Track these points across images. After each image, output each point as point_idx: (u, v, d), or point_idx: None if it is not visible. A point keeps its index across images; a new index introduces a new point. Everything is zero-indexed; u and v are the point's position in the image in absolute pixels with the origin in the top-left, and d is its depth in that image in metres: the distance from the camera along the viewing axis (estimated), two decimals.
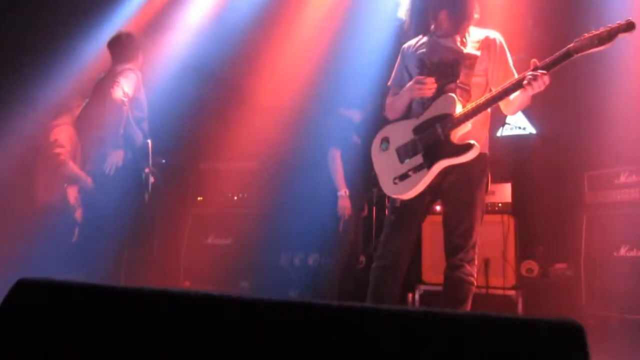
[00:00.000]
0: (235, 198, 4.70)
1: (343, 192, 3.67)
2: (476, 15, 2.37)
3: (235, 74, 4.83)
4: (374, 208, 4.07)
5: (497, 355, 0.78)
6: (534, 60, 2.15)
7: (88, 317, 0.95)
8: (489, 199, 3.78)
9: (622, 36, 1.94)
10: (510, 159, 4.01)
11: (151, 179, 3.25)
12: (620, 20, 1.96)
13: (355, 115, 3.76)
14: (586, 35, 2.02)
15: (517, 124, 4.49)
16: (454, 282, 2.28)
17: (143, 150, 3.24)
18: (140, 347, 0.90)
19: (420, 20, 2.38)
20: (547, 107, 4.31)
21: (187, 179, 4.86)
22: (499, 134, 4.46)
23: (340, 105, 3.87)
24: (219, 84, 4.87)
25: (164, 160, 3.55)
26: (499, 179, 3.81)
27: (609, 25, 1.97)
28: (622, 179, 3.41)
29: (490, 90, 2.32)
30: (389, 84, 2.59)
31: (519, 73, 2.28)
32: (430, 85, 2.29)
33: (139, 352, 0.90)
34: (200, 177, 4.86)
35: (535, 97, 4.14)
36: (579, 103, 3.91)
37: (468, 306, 2.29)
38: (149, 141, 3.27)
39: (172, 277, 4.50)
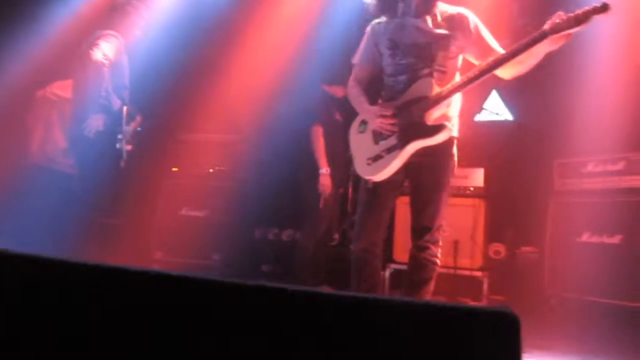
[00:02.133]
0: (212, 170, 4.67)
1: (324, 169, 3.68)
2: None
3: (216, 46, 4.75)
4: (350, 186, 4.12)
5: (431, 343, 0.80)
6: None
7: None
8: (463, 183, 3.87)
9: (597, 17, 1.98)
10: (485, 144, 4.09)
11: (127, 147, 3.23)
12: (596, 3, 1.99)
13: (338, 91, 3.75)
14: (562, 16, 2.04)
15: (494, 110, 4.55)
16: (419, 262, 2.36)
17: (119, 117, 3.20)
18: (78, 320, 0.89)
19: (387, 1, 2.37)
20: (523, 94, 4.39)
21: (163, 149, 4.80)
22: (476, 118, 4.53)
23: (323, 81, 3.85)
24: (200, 55, 4.78)
25: (139, 129, 3.50)
26: (473, 164, 3.89)
27: (585, 7, 2.00)
28: (590, 168, 3.52)
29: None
30: (354, 61, 2.56)
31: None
32: (390, 126, 2.31)
33: (74, 325, 0.89)
34: (177, 148, 4.80)
35: (513, 83, 4.20)
36: (555, 91, 3.99)
37: (432, 286, 2.37)
38: (125, 108, 3.23)
39: (143, 246, 4.48)
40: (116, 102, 3.20)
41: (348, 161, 3.76)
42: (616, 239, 3.25)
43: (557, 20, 2.05)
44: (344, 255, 2.70)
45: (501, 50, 2.27)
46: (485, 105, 4.57)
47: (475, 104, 4.53)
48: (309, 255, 3.77)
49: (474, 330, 0.79)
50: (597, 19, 1.99)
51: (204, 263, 4.35)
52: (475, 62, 2.36)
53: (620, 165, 3.36)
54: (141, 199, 4.61)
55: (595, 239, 3.35)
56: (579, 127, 3.67)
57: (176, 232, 4.42)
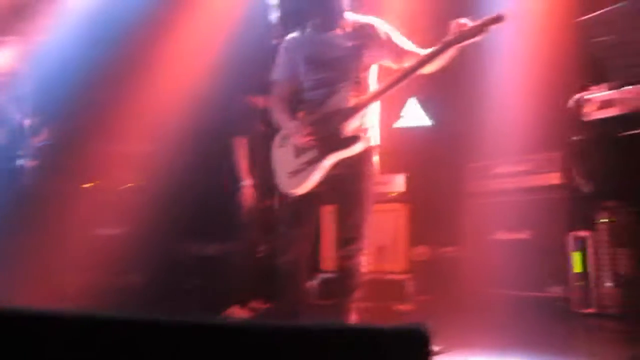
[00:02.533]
0: (130, 185, 4.43)
1: (247, 182, 3.64)
2: (348, 6, 2.43)
3: (133, 53, 4.52)
4: (277, 198, 4.08)
5: None
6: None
7: None
8: (385, 189, 3.97)
9: (494, 27, 2.11)
10: (405, 150, 4.22)
11: (30, 163, 2.98)
12: (494, 13, 2.12)
13: (260, 102, 3.72)
14: (464, 27, 2.16)
15: (413, 116, 4.73)
16: (346, 272, 2.39)
17: (19, 131, 2.95)
18: None
19: (293, 15, 2.40)
20: (439, 101, 4.61)
21: (74, 163, 4.49)
22: (395, 125, 4.67)
23: (246, 92, 3.81)
24: (116, 62, 4.53)
25: (45, 142, 3.25)
26: (395, 170, 4.01)
27: (483, 17, 2.13)
28: (499, 169, 3.75)
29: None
30: (273, 78, 2.59)
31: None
32: (308, 139, 2.35)
33: None
34: (91, 162, 4.51)
35: (429, 90, 4.37)
36: (468, 97, 4.20)
37: (359, 293, 2.41)
38: (27, 121, 2.98)
39: (56, 269, 4.16)
40: (14, 115, 2.94)
41: (269, 172, 3.76)
42: (526, 234, 3.48)
43: (459, 30, 2.16)
44: (272, 268, 2.67)
45: (417, 50, 2.36)
46: (403, 112, 4.74)
47: (394, 112, 4.69)
48: (236, 269, 3.70)
49: (386, 350, 0.79)
50: (500, 27, 2.12)
51: (124, 283, 4.12)
52: (394, 66, 2.42)
53: (525, 166, 3.61)
54: (52, 217, 4.28)
55: (507, 236, 3.57)
56: (489, 131, 3.90)
57: (92, 253, 4.14)
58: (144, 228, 4.13)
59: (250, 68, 3.80)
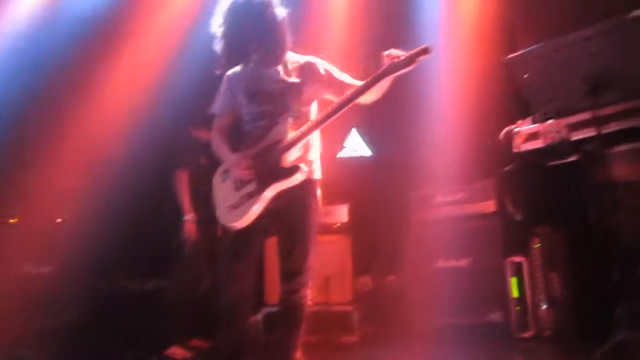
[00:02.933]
0: (60, 220, 4.20)
1: (190, 216, 3.58)
2: (290, 45, 2.48)
3: (67, 82, 4.36)
4: (220, 230, 4.00)
5: None
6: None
7: None
8: (329, 220, 3.99)
9: (421, 59, 2.18)
10: (347, 180, 4.27)
11: None
12: (421, 45, 2.19)
13: (203, 135, 3.68)
14: (395, 59, 2.23)
15: (355, 147, 4.83)
16: (290, 306, 2.36)
17: None
18: None
19: (237, 49, 2.42)
20: (382, 131, 4.74)
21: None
22: (338, 155, 4.75)
23: (189, 124, 3.76)
24: (49, 89, 4.34)
25: None
26: (337, 200, 4.05)
27: (412, 50, 2.21)
28: (439, 198, 3.86)
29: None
30: (213, 111, 2.59)
31: None
32: (248, 172, 2.35)
33: None
34: (17, 195, 4.24)
35: (371, 121, 4.47)
36: (407, 128, 4.35)
37: (303, 327, 2.37)
38: None
39: None
40: None
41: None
42: (464, 262, 3.58)
43: (390, 62, 2.24)
44: (214, 303, 2.59)
45: (356, 83, 2.42)
46: (346, 143, 4.83)
47: (337, 143, 4.77)
48: (177, 305, 3.57)
49: None
50: (434, 61, 2.22)
51: (57, 324, 3.86)
52: (334, 100, 2.47)
53: (462, 195, 3.74)
54: None
55: (448, 264, 3.66)
56: (428, 161, 4.04)
57: (19, 293, 3.86)
58: (78, 265, 3.92)
59: (194, 100, 3.77)
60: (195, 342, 3.63)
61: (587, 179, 2.07)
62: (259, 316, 3.73)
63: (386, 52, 2.26)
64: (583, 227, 2.63)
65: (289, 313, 2.37)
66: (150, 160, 3.99)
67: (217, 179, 2.53)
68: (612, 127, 1.83)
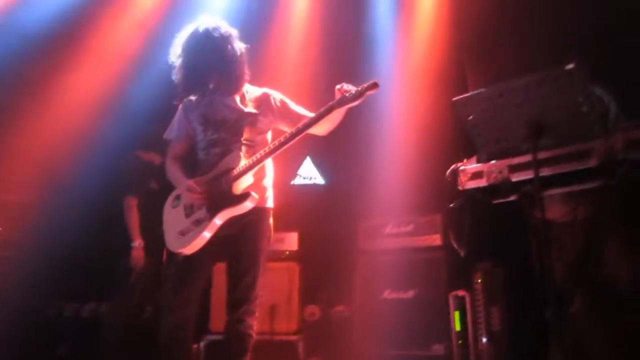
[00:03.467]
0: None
1: (137, 243, 3.52)
2: (247, 77, 2.54)
3: (14, 94, 4.19)
4: (166, 256, 3.90)
5: None
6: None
7: None
8: (278, 247, 3.98)
9: (370, 93, 2.26)
10: (299, 208, 4.29)
11: None
12: (371, 81, 2.28)
13: (155, 159, 3.64)
14: (345, 93, 2.31)
15: (308, 175, 4.87)
16: (235, 335, 2.33)
17: None
18: None
19: (196, 79, 2.44)
20: (334, 161, 4.81)
21: None
22: (291, 182, 4.77)
23: (139, 148, 3.70)
24: None
25: None
26: (288, 228, 4.05)
27: (361, 85, 2.29)
28: (388, 229, 3.93)
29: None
30: (167, 137, 2.60)
31: None
32: (200, 198, 2.35)
33: None
34: None
35: (325, 151, 4.54)
36: (363, 159, 4.44)
37: (248, 357, 2.34)
38: None
39: None
40: None
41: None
42: (410, 294, 3.64)
43: (341, 96, 2.32)
44: (156, 330, 2.51)
45: (310, 114, 2.48)
46: (299, 171, 4.87)
47: (291, 170, 4.80)
48: (116, 332, 3.44)
49: None
50: (385, 95, 2.31)
51: None
52: (289, 130, 2.51)
53: (411, 227, 3.82)
54: None
55: (394, 295, 3.70)
56: (379, 193, 4.13)
57: None
58: (8, 287, 3.69)
59: (145, 123, 3.72)
60: None
61: (525, 218, 2.17)
62: (201, 344, 3.64)
63: (338, 86, 2.34)
64: (521, 264, 2.75)
65: (233, 342, 2.33)
66: (99, 181, 3.87)
67: (168, 205, 2.52)
68: (548, 171, 1.94)
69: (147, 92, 3.86)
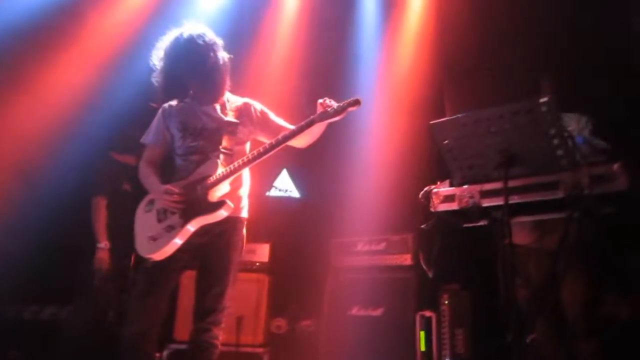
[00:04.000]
0: None
1: (103, 244, 3.42)
2: (228, 87, 2.54)
3: None
4: (134, 261, 3.82)
5: None
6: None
7: None
8: (249, 258, 3.96)
9: (351, 110, 2.30)
10: (272, 220, 4.28)
11: None
12: (352, 98, 2.32)
13: (130, 160, 3.59)
14: (327, 108, 2.34)
15: (284, 187, 4.88)
16: (200, 345, 2.30)
17: None
18: None
19: (176, 84, 2.44)
20: (310, 175, 4.83)
21: None
22: (267, 194, 4.76)
23: (114, 149, 3.63)
24: None
25: None
26: (260, 239, 4.04)
27: (343, 101, 2.33)
28: (359, 247, 3.95)
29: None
30: (144, 141, 2.58)
31: None
32: (176, 202, 2.33)
33: None
34: None
35: (302, 165, 4.54)
36: (337, 176, 4.47)
37: None
38: None
39: None
40: None
41: (131, 234, 3.54)
42: (378, 312, 3.65)
43: (323, 111, 2.35)
44: (119, 337, 2.45)
45: (290, 127, 2.50)
46: (275, 183, 4.87)
47: (267, 181, 4.80)
48: (76, 337, 3.33)
49: None
50: (364, 114, 2.34)
51: None
52: (268, 141, 2.52)
53: (382, 246, 3.85)
54: None
55: (362, 312, 3.71)
56: (353, 210, 4.16)
57: None
58: None
59: (121, 124, 3.67)
60: None
61: (493, 244, 2.22)
62: (164, 353, 3.57)
63: (320, 100, 2.36)
64: (487, 288, 2.80)
65: (198, 353, 2.30)
66: (68, 179, 3.78)
67: (141, 209, 2.49)
68: (517, 199, 2.00)
69: (129, 92, 3.81)
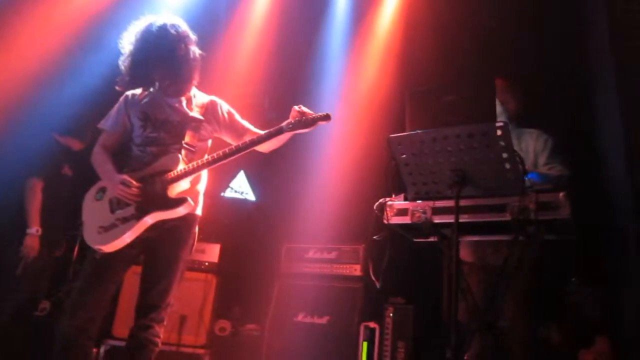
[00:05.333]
0: None
1: (34, 229, 3.23)
2: (196, 82, 2.52)
3: None
4: (77, 249, 3.66)
5: None
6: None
7: None
8: (199, 257, 3.89)
9: (321, 124, 2.34)
10: (226, 220, 4.23)
11: None
12: (324, 112, 2.37)
13: (74, 144, 3.44)
14: (297, 118, 2.36)
15: (240, 189, 4.83)
16: (138, 342, 2.23)
17: None
18: None
19: (141, 71, 2.39)
20: (268, 179, 4.80)
21: None
22: (222, 194, 4.70)
23: (57, 131, 3.47)
24: None
25: None
26: (210, 239, 3.98)
27: (315, 113, 2.36)
28: (311, 254, 3.97)
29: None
30: (102, 127, 2.50)
31: None
32: (134, 194, 2.27)
33: None
34: None
35: (260, 168, 4.51)
36: (293, 183, 4.47)
37: None
38: None
39: None
40: None
41: (74, 220, 3.39)
42: (324, 320, 3.67)
43: (292, 121, 2.36)
44: (52, 329, 2.35)
45: (256, 130, 2.50)
46: (232, 184, 4.81)
47: (224, 181, 4.74)
48: (3, 328, 3.15)
49: None
50: (329, 128, 2.37)
51: None
52: (232, 142, 2.50)
53: (333, 255, 3.88)
54: None
55: (308, 319, 3.71)
56: (308, 216, 4.16)
57: None
58: None
59: (67, 106, 3.52)
60: None
61: (441, 260, 2.27)
62: (102, 349, 3.45)
63: (296, 107, 2.37)
64: (431, 303, 2.86)
65: (136, 350, 2.23)
66: (5, 159, 3.59)
67: (90, 196, 2.40)
68: (467, 218, 2.06)
69: (84, 75, 3.68)
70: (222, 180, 4.67)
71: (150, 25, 2.39)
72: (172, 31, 2.38)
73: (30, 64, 3.85)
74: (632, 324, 2.59)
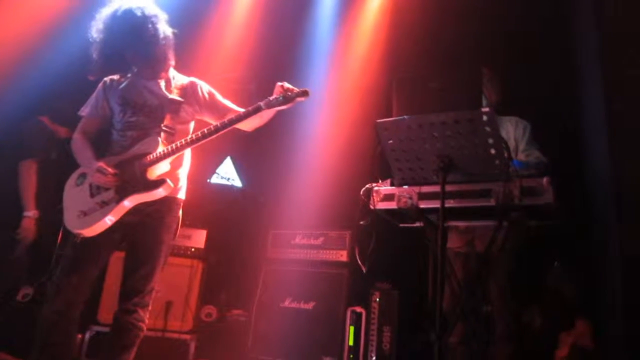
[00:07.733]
0: None
1: (32, 213, 3.18)
2: (172, 62, 2.48)
3: None
4: (60, 234, 3.62)
5: None
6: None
7: None
8: (184, 243, 3.87)
9: (299, 100, 2.30)
10: (212, 206, 4.21)
11: None
12: (302, 88, 2.33)
13: (61, 131, 3.39)
14: (275, 95, 2.32)
15: (226, 175, 4.80)
16: (122, 326, 2.23)
17: None
18: None
19: (112, 57, 2.35)
20: (254, 165, 4.79)
21: None
22: (208, 180, 4.67)
23: (47, 115, 3.43)
24: None
25: None
26: (197, 225, 3.96)
27: (292, 89, 2.32)
28: (297, 240, 3.97)
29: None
30: (82, 113, 2.48)
31: None
32: (111, 180, 2.25)
33: None
34: None
35: (246, 154, 4.48)
36: (283, 169, 4.46)
37: (133, 352, 2.24)
38: None
39: None
40: None
41: (54, 206, 3.34)
42: (310, 305, 3.69)
43: (271, 98, 2.33)
44: (36, 314, 2.33)
45: (237, 109, 2.45)
46: (218, 170, 4.79)
47: (210, 167, 4.71)
48: None
49: None
50: (316, 109, 2.35)
51: None
52: (214, 123, 2.46)
53: (320, 240, 3.89)
54: None
55: (294, 305, 3.73)
56: (294, 202, 4.16)
57: None
58: None
59: (58, 93, 3.47)
60: (3, 355, 3.19)
61: (426, 245, 2.29)
62: (86, 335, 3.43)
63: (280, 83, 2.34)
64: (416, 288, 2.89)
65: (120, 335, 2.22)
66: None
67: (71, 182, 2.38)
68: (453, 204, 2.07)
69: (67, 60, 3.60)
70: (208, 166, 4.64)
71: (116, 10, 2.35)
72: (138, 13, 2.34)
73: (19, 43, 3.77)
74: (611, 307, 2.65)
